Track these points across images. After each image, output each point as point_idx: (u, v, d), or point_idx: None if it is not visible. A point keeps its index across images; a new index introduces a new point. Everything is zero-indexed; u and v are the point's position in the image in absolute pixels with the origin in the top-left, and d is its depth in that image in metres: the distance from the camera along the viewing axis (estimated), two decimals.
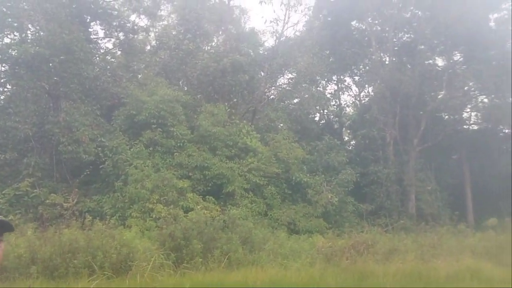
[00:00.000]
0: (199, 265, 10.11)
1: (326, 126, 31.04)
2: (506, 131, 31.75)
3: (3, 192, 15.73)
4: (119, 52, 25.85)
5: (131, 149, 18.53)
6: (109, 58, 24.28)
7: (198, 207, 16.29)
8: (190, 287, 8.40)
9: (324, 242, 12.43)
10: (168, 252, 10.37)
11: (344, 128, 32.88)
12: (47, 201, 15.61)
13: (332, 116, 32.82)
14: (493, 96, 27.65)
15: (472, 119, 32.01)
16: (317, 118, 32.10)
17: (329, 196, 21.54)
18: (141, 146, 18.74)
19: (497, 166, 30.45)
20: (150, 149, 19.27)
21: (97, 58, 22.93)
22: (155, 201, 16.29)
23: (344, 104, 33.33)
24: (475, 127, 31.96)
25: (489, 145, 29.78)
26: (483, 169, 29.47)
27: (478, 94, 29.06)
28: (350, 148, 30.40)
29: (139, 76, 23.51)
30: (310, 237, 15.77)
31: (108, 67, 23.03)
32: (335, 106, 32.55)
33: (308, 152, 23.89)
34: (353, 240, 12.10)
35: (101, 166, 17.95)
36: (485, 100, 29.20)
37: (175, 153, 19.47)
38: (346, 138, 33.13)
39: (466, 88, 27.64)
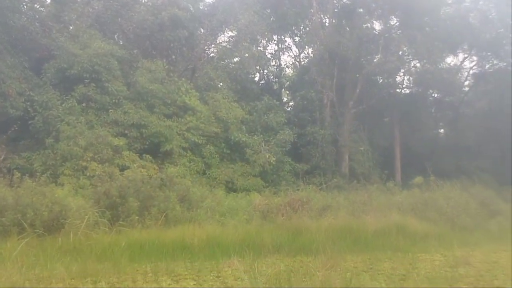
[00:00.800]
0: (135, 223, 9.99)
1: (266, 87, 31.12)
2: (435, 95, 33.46)
3: None
4: (48, 1, 24.08)
5: (63, 105, 17.65)
6: (37, 7, 22.57)
7: (135, 165, 15.94)
8: (126, 244, 8.30)
9: (261, 200, 12.69)
10: (103, 210, 10.15)
11: (283, 89, 33.10)
12: None
13: (271, 77, 32.87)
14: (425, 61, 28.72)
15: (405, 83, 33.33)
16: (257, 78, 32.06)
17: (267, 156, 21.87)
18: (73, 101, 17.88)
19: (425, 129, 32.14)
20: (83, 105, 18.46)
21: (25, 7, 21.28)
22: (89, 159, 15.77)
23: (284, 65, 33.42)
24: (407, 91, 33.34)
25: (419, 109, 31.23)
26: (412, 131, 30.98)
27: (411, 59, 30.08)
28: (289, 109, 30.76)
29: (71, 27, 22.09)
30: (248, 195, 16.03)
31: (37, 16, 21.51)
32: (275, 67, 32.58)
33: (247, 112, 23.96)
34: (289, 197, 12.44)
35: (30, 122, 17.02)
36: (418, 65, 30.33)
37: (110, 110, 18.77)
38: (285, 99, 33.43)
39: (400, 52, 28.47)
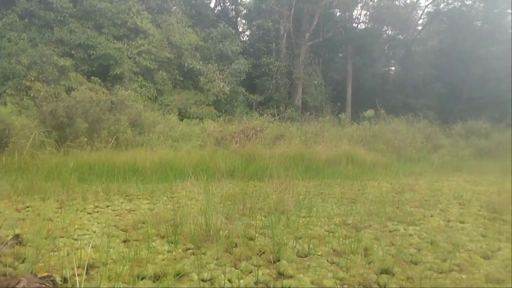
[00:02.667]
0: (84, 144, 9.67)
1: (221, 13, 30.07)
2: (389, 32, 33.68)
3: None
4: None
5: (3, 19, 16.30)
6: None
7: (83, 87, 15.25)
8: (75, 165, 8.04)
9: (215, 127, 12.59)
10: (49, 130, 9.71)
11: (239, 18, 32.13)
12: None
13: (228, 4, 31.71)
14: None
15: (361, 18, 33.21)
16: (212, 5, 30.82)
17: (221, 85, 21.56)
18: (14, 16, 16.55)
19: (377, 65, 32.58)
20: (26, 21, 17.13)
21: None
22: (32, 79, 14.91)
23: None
24: (363, 27, 33.31)
25: (372, 45, 31.43)
26: (364, 67, 31.34)
27: None
28: (244, 38, 30.08)
29: None
30: (201, 122, 15.88)
31: None
32: None
33: (202, 39, 23.19)
34: (243, 125, 12.41)
35: None
36: None
37: (55, 28, 17.58)
38: (241, 29, 32.56)
39: None
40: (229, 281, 2.64)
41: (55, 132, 9.71)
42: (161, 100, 19.62)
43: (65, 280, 2.19)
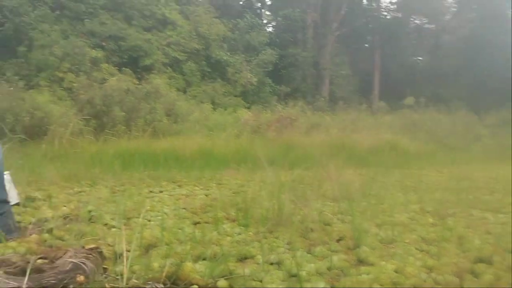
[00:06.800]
0: (121, 133, 9.61)
1: (247, 4, 29.79)
2: (418, 22, 32.91)
3: None
4: None
5: (35, 12, 16.37)
6: None
7: (114, 78, 15.24)
8: (116, 153, 7.96)
9: (250, 116, 12.42)
10: (87, 118, 9.68)
11: (265, 8, 31.84)
12: None
13: None
14: None
15: (390, 7, 32.53)
16: None
17: (249, 76, 21.38)
18: (46, 8, 16.62)
19: (405, 56, 31.88)
20: (57, 13, 17.19)
21: None
22: (65, 70, 14.93)
23: None
24: (390, 16, 32.61)
25: (401, 35, 30.76)
26: (392, 57, 30.71)
27: None
28: (270, 29, 29.78)
29: None
30: (235, 111, 15.71)
31: None
32: None
33: (229, 30, 23.01)
34: (277, 115, 12.21)
35: (0, 29, 15.79)
36: None
37: (86, 20, 17.61)
38: (265, 21, 32.26)
39: None
40: (299, 265, 2.44)
41: (93, 120, 9.67)
42: (189, 92, 19.52)
43: (119, 255, 2.05)
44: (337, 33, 27.43)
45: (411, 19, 32.68)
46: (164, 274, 1.64)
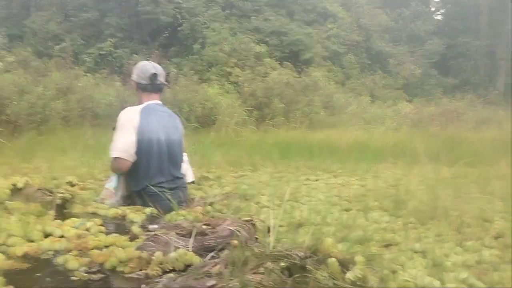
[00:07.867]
0: (280, 123, 10.07)
1: None
2: None
3: (88, 51, 16.19)
4: None
5: (208, 11, 18.00)
6: None
7: (276, 72, 15.95)
8: (274, 142, 8.38)
9: (411, 109, 11.86)
10: (250, 109, 10.36)
11: None
12: (130, 61, 15.89)
13: None
14: None
15: None
16: None
17: (412, 67, 20.37)
18: (217, 8, 18.15)
19: None
20: (227, 11, 18.63)
21: None
22: (232, 65, 16.12)
23: None
24: None
25: None
26: None
27: None
28: (439, 17, 27.84)
29: None
30: (395, 104, 15.18)
31: None
32: None
33: (392, 20, 22.19)
34: (442, 108, 11.43)
35: (179, 29, 17.72)
36: None
37: (252, 17, 18.73)
38: (433, 9, 30.22)
39: None
40: (445, 255, 2.32)
41: (255, 112, 10.31)
42: (348, 85, 19.39)
43: (269, 229, 2.21)
44: None
45: None
46: (305, 246, 1.80)
